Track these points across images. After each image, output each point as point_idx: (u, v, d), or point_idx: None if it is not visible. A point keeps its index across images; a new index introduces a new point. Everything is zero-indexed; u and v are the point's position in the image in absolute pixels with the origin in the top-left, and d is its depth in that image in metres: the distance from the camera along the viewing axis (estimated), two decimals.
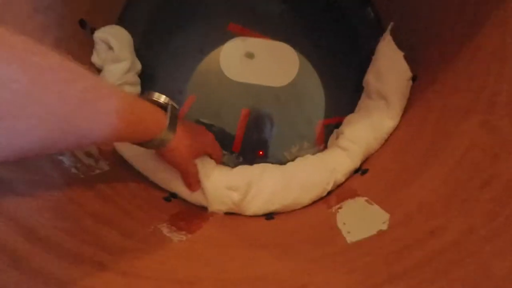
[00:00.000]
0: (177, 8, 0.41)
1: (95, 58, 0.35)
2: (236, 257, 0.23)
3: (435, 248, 0.17)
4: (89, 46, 0.35)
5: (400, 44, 0.35)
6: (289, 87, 0.40)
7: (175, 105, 0.27)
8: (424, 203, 0.21)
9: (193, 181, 0.30)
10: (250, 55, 0.40)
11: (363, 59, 0.39)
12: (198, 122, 0.39)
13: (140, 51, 0.38)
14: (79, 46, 0.34)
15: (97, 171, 0.28)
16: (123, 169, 0.32)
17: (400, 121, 0.34)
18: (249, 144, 0.39)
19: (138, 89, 0.37)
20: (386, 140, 0.34)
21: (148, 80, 0.38)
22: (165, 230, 0.26)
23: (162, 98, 0.27)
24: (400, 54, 0.34)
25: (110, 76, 0.34)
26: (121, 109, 0.19)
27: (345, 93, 0.40)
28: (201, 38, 0.40)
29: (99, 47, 0.35)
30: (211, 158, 0.32)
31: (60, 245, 0.18)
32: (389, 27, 0.36)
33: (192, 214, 0.31)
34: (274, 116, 0.39)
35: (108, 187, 0.27)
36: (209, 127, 0.38)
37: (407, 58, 0.34)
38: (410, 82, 0.34)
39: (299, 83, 0.40)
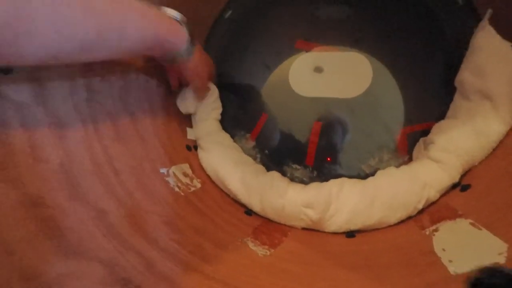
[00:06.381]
0: (246, 34, 0.44)
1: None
2: (323, 276, 0.23)
3: None
4: None
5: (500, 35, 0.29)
6: (363, 96, 0.38)
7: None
8: None
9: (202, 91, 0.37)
10: (319, 70, 0.40)
11: (451, 55, 0.34)
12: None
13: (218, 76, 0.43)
14: None
15: (192, 189, 0.33)
16: (210, 186, 0.36)
17: None
18: (323, 157, 0.38)
19: (219, 112, 0.42)
20: (494, 149, 0.29)
21: (225, 103, 0.43)
22: (250, 244, 0.28)
23: (175, 13, 0.29)
24: (506, 45, 0.29)
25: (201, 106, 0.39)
26: (154, 20, 0.24)
27: (429, 96, 0.36)
28: (270, 58, 0.42)
29: None
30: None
31: (175, 254, 0.22)
32: (487, 15, 0.31)
33: (271, 228, 0.33)
34: (349, 128, 0.38)
35: (202, 203, 0.32)
36: (282, 139, 0.40)
37: None
38: None
39: (375, 91, 0.37)
